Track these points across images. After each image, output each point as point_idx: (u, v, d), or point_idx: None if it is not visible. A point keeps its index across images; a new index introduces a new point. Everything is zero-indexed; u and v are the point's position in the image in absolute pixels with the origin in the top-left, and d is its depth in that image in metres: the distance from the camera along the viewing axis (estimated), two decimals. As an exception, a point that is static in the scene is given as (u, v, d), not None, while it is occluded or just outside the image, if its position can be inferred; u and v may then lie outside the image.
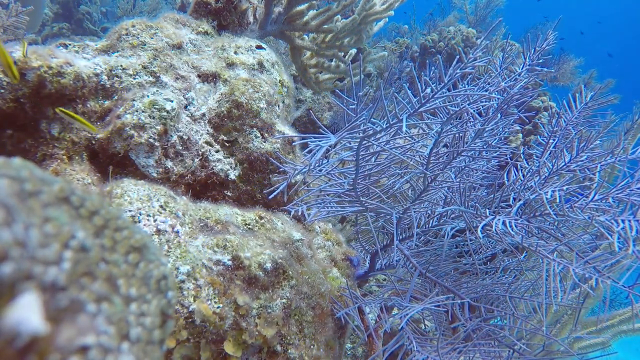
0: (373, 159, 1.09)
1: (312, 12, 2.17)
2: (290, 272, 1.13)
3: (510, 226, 0.97)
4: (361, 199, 1.15)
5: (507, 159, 1.19)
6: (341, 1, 2.12)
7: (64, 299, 0.30)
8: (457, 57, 0.96)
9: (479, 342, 1.17)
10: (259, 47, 1.65)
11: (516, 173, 1.16)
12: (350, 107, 0.91)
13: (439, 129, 1.02)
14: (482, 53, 0.97)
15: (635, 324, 1.79)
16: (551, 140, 1.17)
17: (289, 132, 1.54)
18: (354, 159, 1.04)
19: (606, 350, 1.77)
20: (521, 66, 1.21)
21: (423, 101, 0.89)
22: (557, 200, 0.97)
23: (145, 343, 0.35)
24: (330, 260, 1.39)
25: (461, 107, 0.98)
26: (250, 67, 1.56)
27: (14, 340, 0.27)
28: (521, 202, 1.04)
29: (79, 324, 0.30)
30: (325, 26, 2.19)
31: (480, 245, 1.33)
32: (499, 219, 0.99)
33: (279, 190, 1.10)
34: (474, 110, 1.03)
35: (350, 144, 1.01)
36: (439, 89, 0.88)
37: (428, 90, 0.90)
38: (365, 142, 0.97)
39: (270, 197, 1.18)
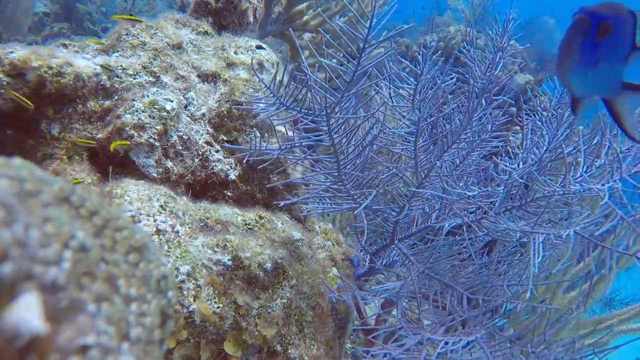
0: (352, 143, 1.06)
1: (311, 12, 2.17)
2: (291, 272, 1.13)
3: (488, 194, 0.97)
4: (351, 192, 1.14)
5: (498, 150, 1.19)
6: (340, 1, 2.13)
7: (64, 299, 0.30)
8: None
9: (475, 329, 1.16)
10: (259, 47, 1.65)
11: (510, 163, 1.16)
12: (302, 77, 0.88)
13: (419, 117, 1.01)
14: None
15: (634, 324, 1.79)
16: (528, 130, 1.17)
17: (290, 132, 1.54)
18: (330, 144, 1.00)
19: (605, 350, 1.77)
20: (494, 50, 1.21)
21: (361, 48, 0.85)
22: (540, 180, 0.97)
23: (145, 343, 0.35)
24: (330, 260, 1.39)
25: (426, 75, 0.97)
26: (250, 67, 1.56)
27: (14, 340, 0.27)
28: (503, 188, 1.04)
29: (79, 324, 0.30)
30: (325, 26, 2.19)
31: (476, 238, 1.32)
32: (474, 190, 0.99)
33: (239, 148, 1.08)
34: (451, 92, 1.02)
35: (321, 124, 0.98)
36: (371, 21, 0.84)
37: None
38: (335, 120, 0.94)
39: (231, 147, 1.15)
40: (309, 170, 1.15)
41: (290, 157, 1.07)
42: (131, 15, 1.40)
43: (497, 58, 1.18)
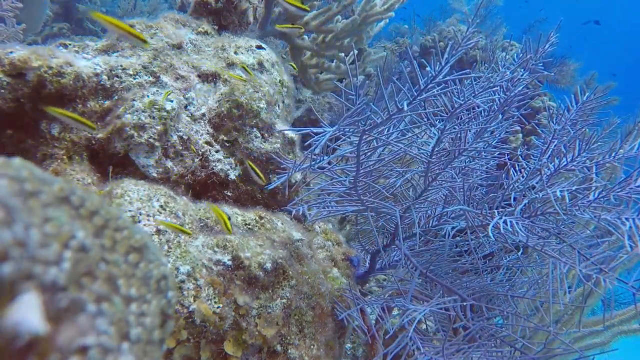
0: (374, 155, 1.08)
1: (312, 13, 2.17)
2: (290, 272, 1.13)
3: (518, 226, 0.97)
4: (362, 197, 1.15)
5: (506, 159, 1.19)
6: (341, 1, 2.12)
7: (64, 299, 0.30)
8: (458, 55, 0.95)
9: (483, 343, 1.17)
10: (259, 47, 1.65)
11: (515, 173, 1.16)
12: (349, 97, 0.91)
13: (442, 126, 1.02)
14: (473, 33, 0.97)
15: (635, 324, 1.79)
16: (550, 140, 1.17)
17: (289, 132, 1.54)
18: (355, 155, 1.04)
19: (607, 349, 1.77)
20: (518, 65, 1.21)
21: (422, 88, 0.89)
22: (563, 200, 0.97)
23: (145, 343, 0.35)
24: (330, 260, 1.39)
25: (464, 99, 0.98)
26: (250, 67, 1.56)
27: (14, 340, 0.27)
28: (525, 200, 1.04)
29: (79, 324, 0.30)
30: (326, 26, 2.19)
31: (479, 244, 1.33)
32: (505, 219, 0.99)
33: (278, 182, 1.10)
34: (477, 106, 1.03)
35: (350, 138, 1.01)
36: (437, 72, 0.88)
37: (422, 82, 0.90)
38: (366, 136, 0.97)
39: (270, 187, 1.18)
40: (322, 175, 1.17)
41: (317, 169, 1.09)
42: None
43: (524, 76, 1.19)
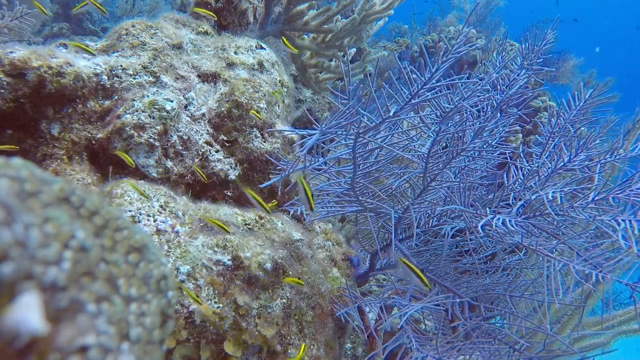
0: (372, 157, 1.09)
1: (312, 12, 2.17)
2: (290, 272, 1.13)
3: (511, 224, 0.97)
4: (360, 198, 1.15)
5: (506, 158, 1.19)
6: (341, 1, 2.12)
7: (64, 299, 0.30)
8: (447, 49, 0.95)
9: (478, 341, 1.17)
10: (259, 47, 1.65)
11: (515, 173, 1.16)
12: (342, 101, 0.91)
13: (438, 127, 1.02)
14: (465, 39, 0.96)
15: (635, 325, 1.79)
16: (550, 140, 1.17)
17: (288, 132, 1.54)
18: (351, 157, 1.04)
19: (606, 350, 1.77)
20: (519, 66, 1.22)
21: (414, 93, 0.89)
22: (558, 201, 0.97)
23: (145, 343, 0.35)
24: (330, 260, 1.39)
25: (456, 102, 0.98)
26: (250, 67, 1.56)
27: (14, 340, 0.27)
28: (522, 202, 1.04)
29: (79, 324, 0.30)
30: (325, 26, 2.19)
31: (479, 245, 1.33)
32: (499, 218, 0.99)
33: (272, 182, 1.11)
34: (472, 106, 1.03)
35: (345, 140, 1.01)
36: (428, 79, 0.88)
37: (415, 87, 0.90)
38: (361, 138, 0.97)
39: (263, 185, 1.18)
40: (321, 176, 1.17)
41: (314, 170, 1.10)
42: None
43: (521, 75, 1.19)
